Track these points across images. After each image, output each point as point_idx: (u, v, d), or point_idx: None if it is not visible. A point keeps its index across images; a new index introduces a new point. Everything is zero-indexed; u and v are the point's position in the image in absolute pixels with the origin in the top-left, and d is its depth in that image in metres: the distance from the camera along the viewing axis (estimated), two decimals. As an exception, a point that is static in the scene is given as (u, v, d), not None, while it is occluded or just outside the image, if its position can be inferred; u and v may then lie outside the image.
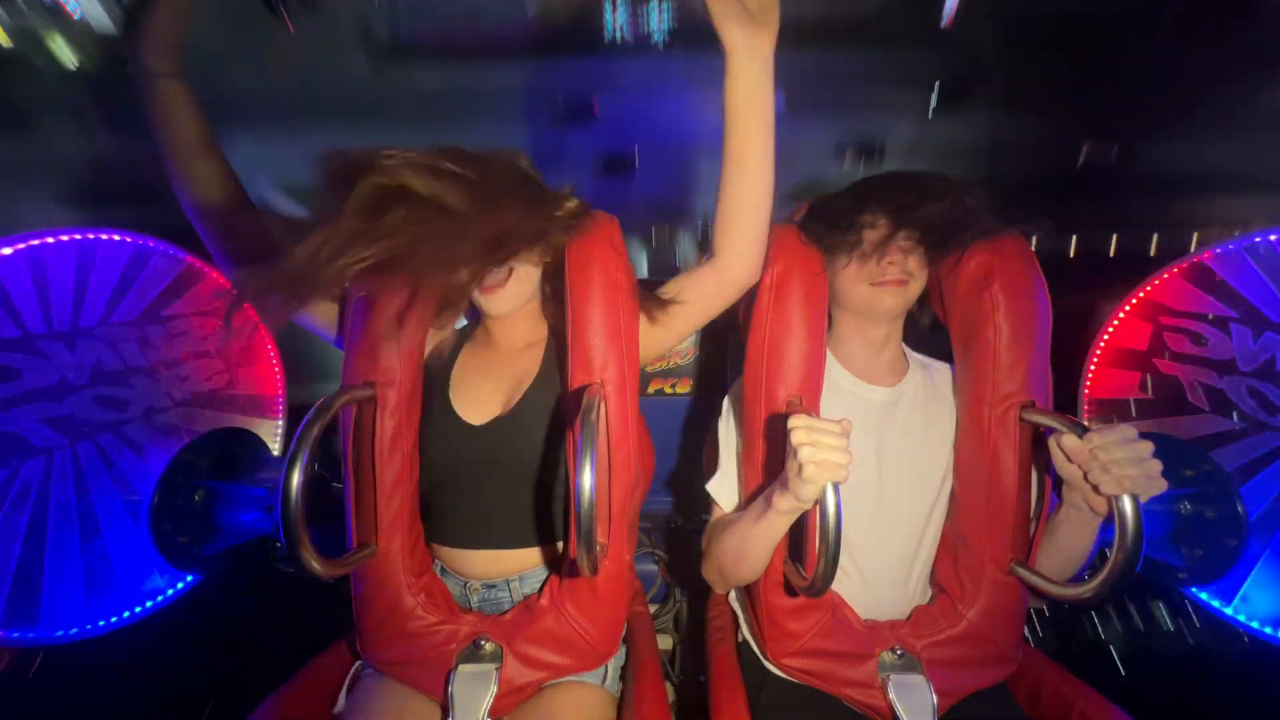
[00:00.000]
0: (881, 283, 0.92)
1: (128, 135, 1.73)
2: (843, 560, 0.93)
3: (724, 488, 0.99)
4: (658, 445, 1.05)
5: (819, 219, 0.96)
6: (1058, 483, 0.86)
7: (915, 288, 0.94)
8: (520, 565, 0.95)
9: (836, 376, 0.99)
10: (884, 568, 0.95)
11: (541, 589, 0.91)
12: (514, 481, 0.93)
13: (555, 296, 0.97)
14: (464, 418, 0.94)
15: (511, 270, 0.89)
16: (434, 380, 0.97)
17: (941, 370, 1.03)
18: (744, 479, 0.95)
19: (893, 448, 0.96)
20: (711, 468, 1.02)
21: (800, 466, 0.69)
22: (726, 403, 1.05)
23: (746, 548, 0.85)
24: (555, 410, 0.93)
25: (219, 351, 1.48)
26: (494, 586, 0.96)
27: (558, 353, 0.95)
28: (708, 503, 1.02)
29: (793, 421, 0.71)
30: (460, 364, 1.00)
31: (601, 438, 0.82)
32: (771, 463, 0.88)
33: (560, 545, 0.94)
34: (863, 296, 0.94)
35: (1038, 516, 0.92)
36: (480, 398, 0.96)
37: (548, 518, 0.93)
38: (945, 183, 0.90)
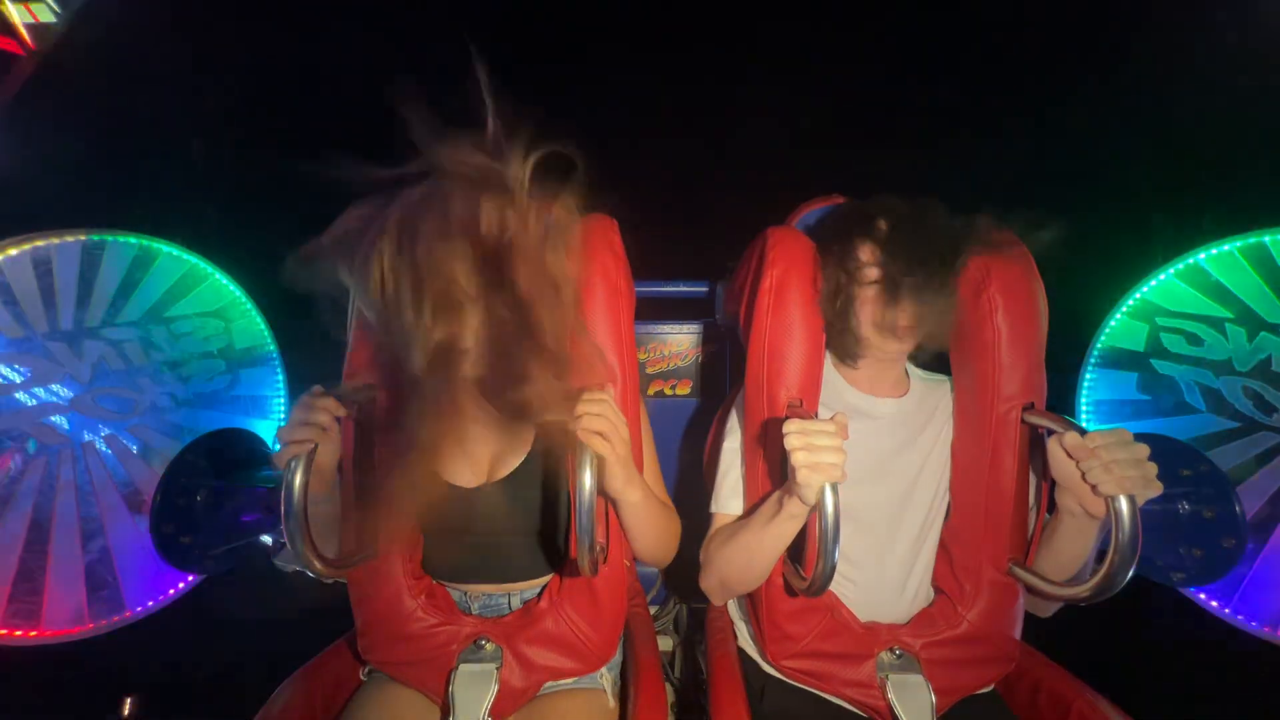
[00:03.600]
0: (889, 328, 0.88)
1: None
2: (845, 569, 0.93)
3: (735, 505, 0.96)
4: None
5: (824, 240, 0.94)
6: (1054, 486, 0.86)
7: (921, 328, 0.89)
8: (526, 583, 0.94)
9: (843, 391, 0.98)
10: (885, 576, 0.95)
11: (541, 592, 0.91)
12: (519, 532, 0.90)
13: None
14: (452, 480, 0.87)
15: None
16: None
17: (943, 383, 1.03)
18: (747, 485, 0.95)
19: (899, 459, 0.96)
20: (712, 480, 1.00)
21: (795, 470, 0.70)
22: (732, 417, 1.01)
23: (754, 554, 0.85)
24: (559, 464, 0.86)
25: (221, 352, 1.49)
26: (494, 595, 0.94)
27: None
28: (707, 503, 1.01)
29: (787, 426, 0.72)
30: None
31: None
32: (775, 468, 0.88)
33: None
34: (868, 337, 0.91)
35: (1034, 521, 0.92)
36: (466, 451, 0.87)
37: (554, 546, 0.90)
38: (937, 245, 0.85)
